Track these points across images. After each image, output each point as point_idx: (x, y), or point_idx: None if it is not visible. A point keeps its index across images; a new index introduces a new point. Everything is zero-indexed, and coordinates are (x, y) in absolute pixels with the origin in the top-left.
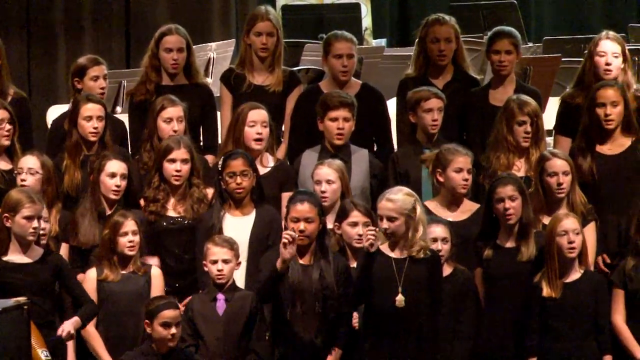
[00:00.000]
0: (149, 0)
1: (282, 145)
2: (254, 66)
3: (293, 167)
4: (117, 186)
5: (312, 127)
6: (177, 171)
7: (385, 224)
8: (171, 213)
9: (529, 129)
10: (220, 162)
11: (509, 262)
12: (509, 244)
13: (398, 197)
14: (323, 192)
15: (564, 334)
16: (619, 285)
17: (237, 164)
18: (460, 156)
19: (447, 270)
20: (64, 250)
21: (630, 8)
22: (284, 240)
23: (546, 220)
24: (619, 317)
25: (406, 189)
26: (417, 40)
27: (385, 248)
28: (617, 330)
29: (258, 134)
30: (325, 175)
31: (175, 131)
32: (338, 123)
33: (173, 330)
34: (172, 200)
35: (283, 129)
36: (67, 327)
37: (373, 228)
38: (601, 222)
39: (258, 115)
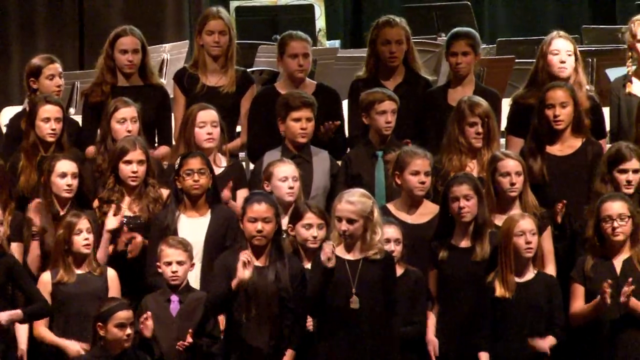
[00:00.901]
0: (102, 2)
1: (237, 140)
2: (207, 67)
3: (251, 167)
4: (69, 185)
5: (270, 127)
6: (134, 172)
7: (344, 226)
8: (126, 213)
9: (480, 130)
10: (177, 162)
11: (463, 262)
12: (464, 244)
13: (358, 199)
14: (291, 187)
15: (516, 333)
16: (579, 281)
17: (195, 162)
18: (418, 159)
19: (398, 271)
20: (16, 249)
21: (584, 10)
22: (243, 260)
23: (498, 220)
24: (577, 308)
25: (363, 191)
26: (368, 42)
27: (338, 250)
28: (575, 317)
29: (208, 134)
30: (291, 172)
31: (129, 132)
32: (301, 123)
33: (128, 330)
34: (127, 200)
35: (238, 129)
36: (2, 315)
37: (331, 243)
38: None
39: (207, 116)
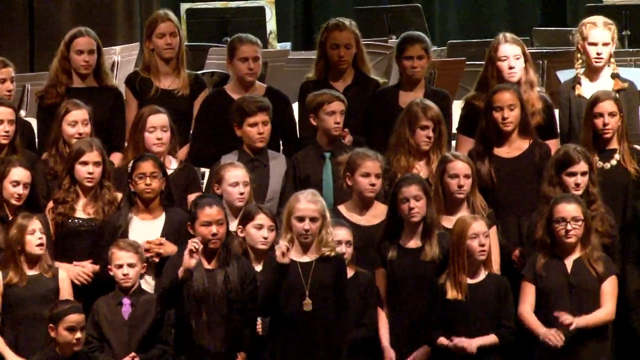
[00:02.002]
0: (52, 4)
1: (185, 147)
2: (159, 70)
3: (201, 170)
4: (19, 194)
5: (217, 130)
6: (90, 173)
7: (307, 225)
8: (80, 214)
9: (431, 134)
10: (130, 165)
11: (412, 262)
12: (412, 244)
13: (317, 198)
14: (242, 193)
15: (468, 334)
16: (530, 280)
17: (147, 166)
18: (369, 161)
19: (349, 272)
20: None
21: (535, 12)
22: (190, 247)
23: (445, 221)
24: (527, 307)
25: (315, 191)
26: (317, 44)
27: (292, 253)
28: (523, 318)
29: (158, 139)
30: (242, 177)
31: (80, 134)
32: (258, 128)
33: (78, 334)
34: (81, 202)
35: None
36: None
37: (285, 240)
38: (501, 225)
39: (157, 120)
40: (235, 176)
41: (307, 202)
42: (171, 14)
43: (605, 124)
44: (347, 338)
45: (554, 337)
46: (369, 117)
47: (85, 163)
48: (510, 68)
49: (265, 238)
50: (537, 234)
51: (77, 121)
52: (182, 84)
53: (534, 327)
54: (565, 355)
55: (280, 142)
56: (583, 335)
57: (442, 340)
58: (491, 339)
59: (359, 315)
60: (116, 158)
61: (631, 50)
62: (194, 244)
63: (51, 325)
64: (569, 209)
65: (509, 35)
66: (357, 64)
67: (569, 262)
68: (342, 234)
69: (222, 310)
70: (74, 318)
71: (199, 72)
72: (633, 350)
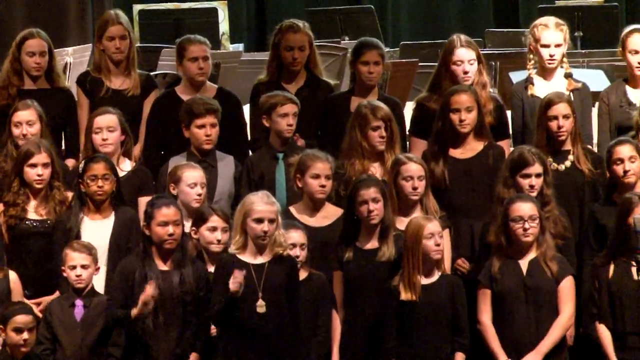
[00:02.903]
0: (4, 5)
1: (137, 145)
2: (110, 71)
3: (151, 172)
4: None
5: (169, 131)
6: (39, 175)
7: (266, 227)
8: (33, 216)
9: (383, 133)
10: (81, 165)
11: (369, 263)
12: (369, 246)
13: (273, 200)
14: (199, 194)
15: (422, 335)
16: (486, 285)
17: (99, 167)
18: (319, 162)
19: (302, 274)
20: None
21: (487, 13)
22: (142, 299)
23: (399, 223)
24: (486, 316)
25: (268, 192)
26: (270, 45)
27: (244, 255)
28: (483, 329)
29: (103, 139)
30: (200, 178)
31: (24, 135)
32: (205, 130)
33: (25, 335)
34: (32, 203)
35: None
36: None
37: (242, 272)
38: (454, 226)
39: (103, 121)
40: (194, 177)
41: (264, 203)
42: (122, 16)
43: (559, 127)
44: (301, 337)
45: None
46: (321, 123)
47: (34, 165)
48: (465, 72)
49: (219, 240)
50: (490, 236)
51: (21, 122)
52: (132, 84)
53: (493, 347)
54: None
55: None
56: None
57: None
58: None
59: (313, 317)
60: (70, 164)
61: (583, 51)
62: (150, 289)
63: (1, 326)
64: (526, 208)
65: (463, 38)
66: (309, 66)
67: (524, 264)
68: (297, 236)
69: (176, 312)
70: (21, 319)
71: (151, 73)
72: (589, 351)
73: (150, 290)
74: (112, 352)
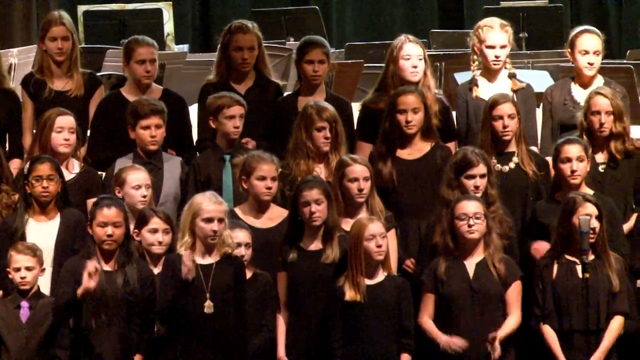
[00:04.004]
0: None
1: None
2: (52, 72)
3: (99, 173)
4: None
5: (115, 132)
6: None
7: (216, 226)
8: None
9: (328, 134)
10: (26, 166)
11: (313, 264)
12: (313, 247)
13: (220, 199)
14: (144, 196)
15: (368, 336)
16: (429, 289)
17: (44, 168)
18: (264, 164)
19: (247, 274)
20: None
21: (432, 14)
22: (89, 270)
23: (345, 224)
24: (426, 317)
25: (214, 192)
26: (219, 46)
27: (193, 266)
28: (423, 327)
29: (65, 140)
30: (144, 180)
31: None
32: (150, 131)
33: None
34: None
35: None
36: None
37: (190, 254)
38: (401, 227)
39: (65, 122)
40: (138, 179)
41: (213, 203)
42: (65, 17)
43: (504, 127)
44: (249, 347)
45: (454, 345)
46: (270, 125)
47: None
48: (414, 67)
49: (160, 242)
50: (436, 237)
51: None
52: (75, 85)
53: (435, 335)
54: (472, 354)
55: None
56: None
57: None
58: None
59: (258, 317)
60: (15, 164)
61: (529, 52)
62: (93, 265)
63: None
64: (471, 206)
65: (411, 36)
66: (258, 67)
67: (470, 265)
68: (242, 236)
69: (120, 312)
70: None
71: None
72: (535, 352)
73: (92, 265)
74: (58, 354)
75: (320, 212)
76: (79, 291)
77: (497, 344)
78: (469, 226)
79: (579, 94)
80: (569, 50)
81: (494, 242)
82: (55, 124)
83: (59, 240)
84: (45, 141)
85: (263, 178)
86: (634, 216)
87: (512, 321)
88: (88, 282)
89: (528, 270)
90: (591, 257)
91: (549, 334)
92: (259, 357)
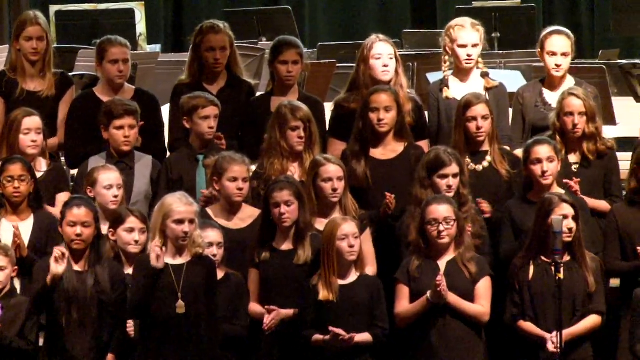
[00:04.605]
0: None
1: (55, 138)
2: (25, 72)
3: (70, 170)
4: None
5: (86, 132)
6: None
7: (187, 227)
8: None
9: (302, 134)
10: None
11: (285, 264)
12: (285, 247)
13: (192, 200)
14: (115, 196)
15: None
16: (404, 282)
17: (16, 169)
18: (236, 165)
19: (219, 274)
20: None
21: (405, 14)
22: (55, 254)
23: (318, 224)
24: (402, 309)
25: (184, 193)
26: (191, 46)
27: (164, 256)
28: (399, 316)
29: (33, 141)
30: (116, 180)
31: None
32: (124, 131)
33: None
34: None
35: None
36: None
37: (158, 243)
38: (376, 227)
39: (32, 123)
40: (109, 179)
41: (184, 204)
42: (40, 17)
43: (478, 127)
44: (220, 338)
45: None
46: (242, 125)
47: None
48: (384, 66)
49: (137, 241)
50: (410, 236)
51: None
52: (47, 86)
53: (413, 306)
54: (442, 356)
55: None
56: (458, 336)
57: (317, 336)
58: (365, 336)
59: (230, 317)
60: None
61: (501, 52)
62: (58, 251)
63: None
64: (441, 210)
65: (382, 35)
66: (230, 67)
67: (442, 264)
68: (213, 235)
69: (91, 312)
70: None
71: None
72: (505, 348)
73: (58, 249)
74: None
75: (290, 213)
76: (48, 278)
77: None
78: (439, 232)
79: (550, 96)
80: (539, 50)
81: (465, 242)
82: (22, 125)
83: (32, 241)
84: (12, 143)
85: (235, 179)
86: (603, 202)
87: (474, 306)
88: (55, 268)
89: (501, 270)
90: (567, 257)
91: (528, 326)
92: (229, 348)
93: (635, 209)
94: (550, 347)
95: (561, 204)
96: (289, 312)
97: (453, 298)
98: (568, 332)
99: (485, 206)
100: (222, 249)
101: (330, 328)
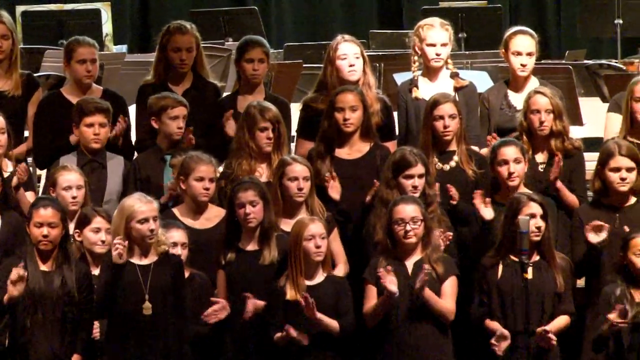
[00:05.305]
0: None
1: (23, 145)
2: None
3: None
4: None
5: (55, 132)
6: None
7: (152, 225)
8: None
9: (270, 134)
10: None
11: (251, 265)
12: (251, 247)
13: (150, 198)
14: (74, 197)
15: (308, 335)
16: (372, 282)
17: None
18: (202, 165)
19: (185, 274)
20: None
21: (371, 14)
22: (12, 277)
23: (284, 224)
24: (368, 307)
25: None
26: (157, 47)
27: (126, 253)
28: (366, 315)
29: None
30: (76, 181)
31: None
32: (94, 129)
33: None
34: None
35: (26, 134)
36: None
37: (121, 239)
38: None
39: None
40: (68, 180)
41: (145, 203)
42: (5, 16)
43: (445, 127)
44: (187, 339)
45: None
46: (208, 126)
47: None
48: (351, 66)
49: (103, 241)
50: (376, 236)
51: None
52: (13, 85)
53: (377, 304)
54: (409, 355)
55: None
56: (426, 335)
57: (279, 335)
58: (334, 323)
59: (196, 317)
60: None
61: (467, 52)
62: (15, 273)
63: None
64: (408, 210)
65: (347, 35)
66: (196, 68)
67: (409, 264)
68: (177, 235)
69: (57, 313)
70: None
71: (35, 74)
72: (471, 347)
73: (15, 273)
74: None
75: (255, 213)
76: (5, 298)
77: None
78: (406, 232)
79: (515, 98)
80: (503, 50)
81: (432, 242)
82: None
83: (0, 241)
84: None
85: (201, 179)
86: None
87: (442, 302)
88: (12, 290)
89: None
90: (536, 257)
91: (493, 323)
92: (198, 345)
93: (599, 210)
94: (498, 350)
95: (529, 203)
96: (261, 303)
97: (428, 293)
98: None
99: (454, 192)
100: (187, 249)
101: (286, 327)
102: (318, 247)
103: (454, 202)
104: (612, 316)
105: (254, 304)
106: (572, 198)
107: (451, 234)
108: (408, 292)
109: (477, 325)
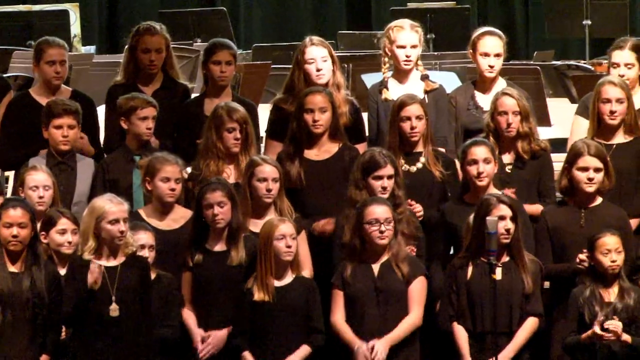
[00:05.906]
0: None
1: None
2: None
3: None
4: None
5: (23, 133)
6: None
7: (122, 227)
8: None
9: (238, 135)
10: None
11: (218, 266)
12: (218, 248)
13: (121, 199)
14: (41, 197)
15: (276, 337)
16: (339, 287)
17: None
18: (168, 165)
19: (151, 276)
20: None
21: (340, 15)
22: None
23: (252, 225)
24: (338, 317)
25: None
26: (127, 47)
27: (97, 259)
28: (336, 328)
29: None
30: (43, 181)
31: None
32: (62, 131)
33: None
34: None
35: None
36: None
37: (98, 265)
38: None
39: None
40: (35, 180)
41: (115, 204)
42: None
43: (412, 128)
44: (155, 340)
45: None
46: (176, 128)
47: None
48: (318, 70)
49: (70, 242)
50: (344, 237)
51: None
52: None
53: (348, 338)
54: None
55: None
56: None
57: (247, 355)
58: (304, 351)
59: (163, 318)
60: None
61: (436, 53)
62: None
63: None
64: (381, 211)
65: (315, 38)
66: (166, 68)
67: (376, 267)
68: (145, 238)
69: (27, 314)
70: None
71: (2, 75)
72: (439, 350)
73: None
74: None
75: (222, 214)
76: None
77: (380, 349)
78: (381, 232)
79: (482, 99)
80: (471, 51)
81: (398, 243)
82: None
83: None
84: None
85: (167, 179)
86: (538, 206)
87: (410, 319)
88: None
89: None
90: (506, 258)
91: (460, 333)
92: (163, 351)
93: (565, 209)
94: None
95: (499, 205)
96: (224, 332)
97: (393, 336)
98: (516, 342)
99: (418, 209)
100: (154, 251)
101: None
102: (289, 246)
103: (421, 218)
104: (599, 332)
105: (215, 339)
106: (534, 208)
107: (414, 249)
108: (374, 295)
109: (445, 329)
